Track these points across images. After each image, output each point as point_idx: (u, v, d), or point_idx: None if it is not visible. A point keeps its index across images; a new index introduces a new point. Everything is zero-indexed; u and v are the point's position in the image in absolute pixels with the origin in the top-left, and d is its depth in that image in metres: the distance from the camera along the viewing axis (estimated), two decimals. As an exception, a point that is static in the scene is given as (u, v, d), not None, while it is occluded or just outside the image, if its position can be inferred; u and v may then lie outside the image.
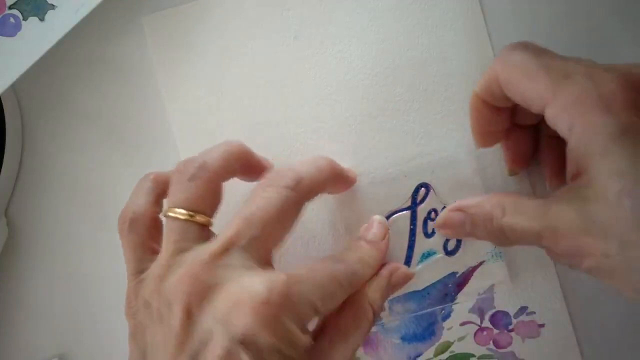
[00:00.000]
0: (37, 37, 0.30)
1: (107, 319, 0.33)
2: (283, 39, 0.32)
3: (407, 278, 0.30)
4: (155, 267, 0.24)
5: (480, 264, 0.31)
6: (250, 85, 0.32)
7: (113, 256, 0.33)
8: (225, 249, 0.23)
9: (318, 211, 0.32)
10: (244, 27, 0.33)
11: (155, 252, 0.26)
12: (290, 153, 0.32)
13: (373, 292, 0.27)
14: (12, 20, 0.30)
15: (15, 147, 0.33)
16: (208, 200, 0.26)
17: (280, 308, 0.22)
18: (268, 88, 0.32)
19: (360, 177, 0.31)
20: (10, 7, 0.30)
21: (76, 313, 0.34)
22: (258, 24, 0.33)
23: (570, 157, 0.23)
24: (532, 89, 0.24)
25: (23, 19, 0.30)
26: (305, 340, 0.23)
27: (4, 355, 0.34)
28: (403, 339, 0.32)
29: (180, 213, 0.25)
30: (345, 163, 0.31)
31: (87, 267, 0.34)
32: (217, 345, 0.21)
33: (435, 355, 0.32)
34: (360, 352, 0.32)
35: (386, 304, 0.31)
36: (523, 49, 0.25)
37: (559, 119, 0.23)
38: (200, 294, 0.22)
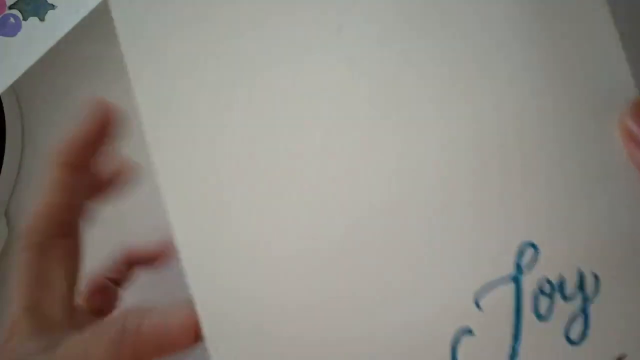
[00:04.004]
0: (37, 37, 0.30)
1: (107, 319, 0.33)
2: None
3: None
4: None
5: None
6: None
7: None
8: None
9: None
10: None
11: None
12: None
13: None
14: (12, 20, 0.30)
15: (15, 147, 0.33)
16: None
17: None
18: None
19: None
20: (10, 7, 0.30)
21: (76, 313, 0.34)
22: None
23: None
24: None
25: (23, 19, 0.30)
26: None
27: (4, 356, 0.34)
28: None
29: None
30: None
31: (87, 267, 0.33)
32: None
33: None
34: None
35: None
36: None
37: None
38: None
